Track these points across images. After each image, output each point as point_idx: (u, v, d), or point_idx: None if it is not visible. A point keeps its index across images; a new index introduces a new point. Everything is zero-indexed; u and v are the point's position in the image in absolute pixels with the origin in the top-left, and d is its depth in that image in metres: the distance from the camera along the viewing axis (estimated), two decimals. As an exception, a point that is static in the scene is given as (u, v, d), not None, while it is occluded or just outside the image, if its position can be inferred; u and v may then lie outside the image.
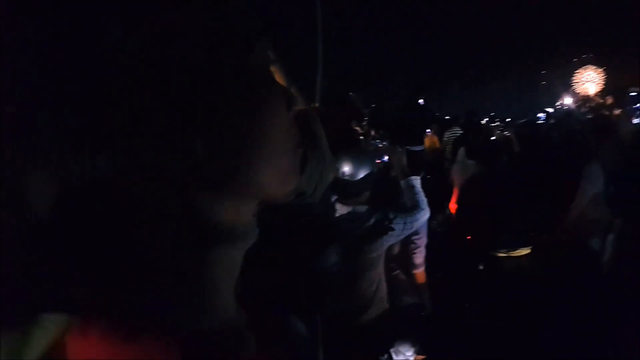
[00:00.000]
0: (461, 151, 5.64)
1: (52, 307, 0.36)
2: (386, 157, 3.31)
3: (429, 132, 7.10)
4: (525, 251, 3.72)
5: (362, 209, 2.51)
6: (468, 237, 3.87)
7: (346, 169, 2.50)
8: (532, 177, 4.11)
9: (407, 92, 5.18)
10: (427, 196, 2.83)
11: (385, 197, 2.76)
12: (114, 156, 0.33)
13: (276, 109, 0.41)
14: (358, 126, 4.62)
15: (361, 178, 2.53)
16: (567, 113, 7.46)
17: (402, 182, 2.89)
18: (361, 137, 5.65)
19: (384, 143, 3.25)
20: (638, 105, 2.35)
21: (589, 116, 6.36)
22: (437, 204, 3.82)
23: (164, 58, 0.33)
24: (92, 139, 0.32)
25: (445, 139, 8.00)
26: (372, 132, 5.87)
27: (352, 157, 2.57)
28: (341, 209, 2.51)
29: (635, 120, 2.38)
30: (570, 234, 3.73)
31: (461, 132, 7.32)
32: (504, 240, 3.69)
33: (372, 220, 2.50)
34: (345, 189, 2.48)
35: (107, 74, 0.32)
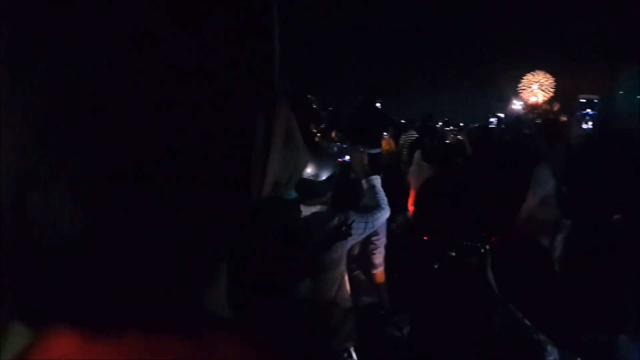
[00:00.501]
0: (417, 154, 5.76)
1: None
2: (347, 157, 3.34)
3: (385, 135, 7.21)
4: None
5: (325, 209, 2.52)
6: (424, 238, 3.94)
7: (310, 169, 2.50)
8: (485, 180, 4.24)
9: (364, 95, 5.24)
10: (387, 196, 2.87)
11: (347, 197, 2.79)
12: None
13: None
14: (315, 128, 4.64)
15: (325, 179, 2.53)
16: (516, 118, 7.73)
17: (363, 182, 2.92)
18: (319, 139, 5.68)
19: (344, 145, 3.27)
20: (587, 110, 2.48)
21: (538, 121, 6.65)
22: (395, 205, 3.87)
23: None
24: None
25: (401, 142, 8.16)
26: (331, 134, 5.90)
27: (315, 157, 2.57)
28: (304, 210, 2.51)
29: (584, 125, 2.50)
30: (520, 234, 3.86)
31: (417, 135, 7.49)
32: (460, 240, 3.78)
33: (335, 221, 2.52)
34: (309, 189, 2.48)
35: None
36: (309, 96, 4.32)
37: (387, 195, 2.91)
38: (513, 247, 3.91)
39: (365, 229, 2.64)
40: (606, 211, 1.66)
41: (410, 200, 4.57)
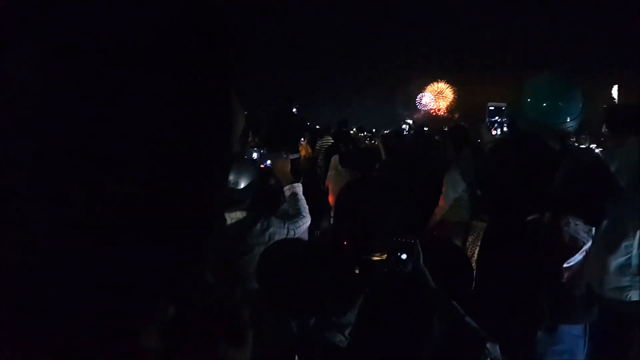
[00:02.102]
0: (334, 159, 5.81)
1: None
2: (269, 163, 3.27)
3: (302, 141, 7.22)
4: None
5: (245, 216, 2.45)
6: (344, 243, 3.96)
7: (230, 177, 2.41)
8: (399, 185, 4.35)
9: (281, 101, 5.20)
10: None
11: (267, 204, 2.72)
12: None
13: None
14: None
15: (244, 186, 2.46)
16: (422, 124, 8.07)
17: (285, 189, 2.87)
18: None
19: (262, 151, 3.21)
20: (496, 117, 2.63)
21: (446, 127, 6.99)
22: (316, 212, 3.86)
23: None
24: None
25: (317, 147, 8.23)
26: (249, 140, 5.79)
27: (235, 164, 2.49)
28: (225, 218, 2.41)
29: (494, 132, 2.64)
30: (435, 236, 4.01)
31: (332, 141, 7.59)
32: (378, 244, 3.84)
33: (257, 227, 2.45)
34: (230, 197, 2.40)
35: None
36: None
37: (307, 202, 2.88)
38: (429, 250, 4.07)
39: (286, 236, 2.59)
40: (519, 212, 1.73)
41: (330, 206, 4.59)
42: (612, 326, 2.26)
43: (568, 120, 1.77)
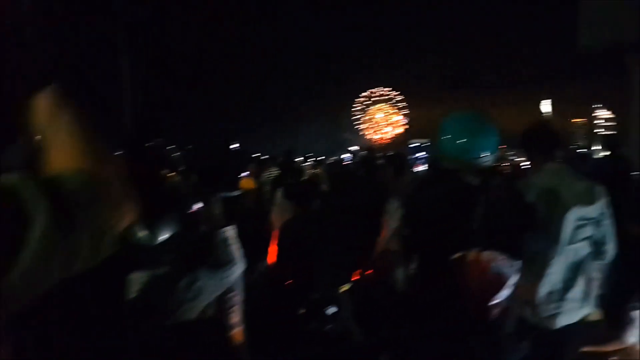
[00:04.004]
0: (279, 192, 5.72)
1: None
2: (198, 206, 3.12)
3: (245, 174, 7.08)
4: (343, 289, 3.82)
5: (167, 272, 2.30)
6: (288, 282, 3.85)
7: (146, 231, 2.27)
8: (343, 216, 4.29)
9: (219, 136, 5.08)
10: (245, 243, 2.73)
11: (195, 254, 2.58)
12: None
13: None
14: (166, 173, 4.36)
15: (165, 238, 2.32)
16: (368, 152, 8.13)
17: (215, 234, 2.74)
18: (171, 185, 5.36)
19: (195, 193, 3.07)
20: (420, 154, 2.63)
21: (386, 155, 7.06)
22: (255, 253, 3.75)
23: None
24: None
25: (263, 180, 8.10)
26: (184, 179, 5.61)
27: (155, 214, 2.35)
28: (139, 277, 2.26)
29: (417, 168, 2.64)
30: (379, 267, 3.96)
31: (278, 172, 7.49)
32: (323, 281, 3.75)
33: (182, 284, 2.31)
34: (147, 255, 2.25)
35: None
36: (158, 139, 4.03)
37: (247, 241, 2.77)
38: (373, 281, 4.01)
39: (217, 287, 2.46)
40: (443, 250, 1.69)
41: (273, 241, 4.47)
42: (546, 354, 2.24)
43: (484, 155, 1.77)
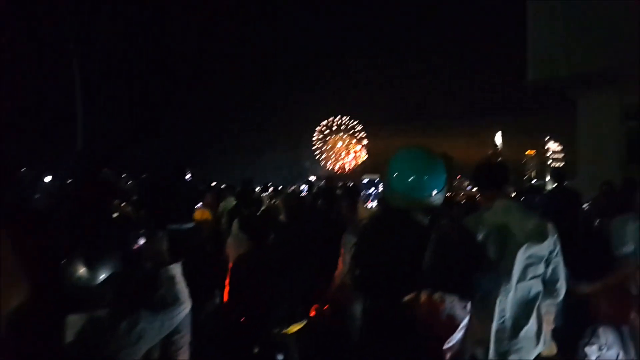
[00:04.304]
0: (235, 224, 5.57)
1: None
2: (142, 242, 2.97)
3: (199, 205, 6.91)
4: (298, 326, 3.70)
5: (106, 316, 2.15)
6: (242, 319, 3.71)
7: (83, 270, 2.13)
8: (300, 250, 4.20)
9: (172, 167, 4.93)
10: (197, 278, 2.61)
11: (137, 295, 2.43)
12: None
13: None
14: (112, 204, 4.18)
15: (104, 279, 2.18)
16: (326, 182, 8.10)
17: (160, 272, 2.60)
18: (115, 218, 5.15)
19: (141, 230, 2.93)
20: (371, 190, 2.60)
21: (343, 187, 7.03)
22: (206, 288, 3.60)
23: None
24: None
25: (220, 210, 7.91)
26: (134, 211, 5.42)
27: (92, 254, 2.21)
28: (76, 320, 2.11)
29: (369, 205, 2.61)
30: (336, 301, 3.86)
31: (235, 202, 7.32)
32: (278, 317, 3.63)
33: (122, 327, 2.16)
34: (85, 296, 2.10)
35: None
36: (105, 169, 3.88)
37: (198, 276, 2.64)
38: (330, 316, 3.92)
39: (160, 329, 2.31)
40: (393, 292, 1.63)
41: (228, 275, 4.32)
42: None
43: (433, 193, 1.74)
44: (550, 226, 2.48)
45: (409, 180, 1.74)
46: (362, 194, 2.72)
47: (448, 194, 3.31)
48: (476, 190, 2.84)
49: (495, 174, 2.68)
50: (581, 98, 11.17)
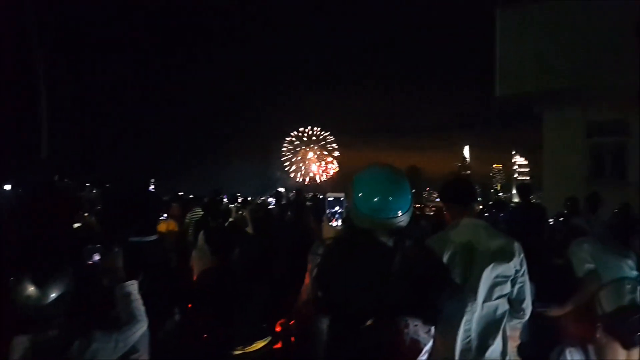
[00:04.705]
0: (201, 236, 5.43)
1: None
2: (97, 258, 2.82)
3: (164, 217, 6.74)
4: (262, 343, 3.61)
5: (57, 336, 2.03)
6: (204, 336, 3.59)
7: (32, 289, 2.01)
8: (267, 262, 4.12)
9: (133, 178, 4.76)
10: (155, 296, 2.50)
11: (90, 314, 2.32)
12: None
13: None
14: (72, 216, 4.02)
15: (55, 298, 2.07)
16: (293, 196, 8.02)
17: (116, 289, 2.48)
18: (81, 229, 4.97)
19: (96, 245, 2.79)
20: (336, 208, 2.55)
21: (311, 199, 6.99)
22: (171, 302, 3.47)
23: None
24: None
25: (187, 220, 7.72)
26: (95, 222, 5.23)
27: (43, 271, 2.10)
28: (24, 342, 1.99)
29: (333, 223, 2.56)
30: (303, 317, 3.78)
31: (202, 213, 7.16)
32: (241, 335, 3.53)
33: (74, 350, 2.04)
34: (33, 316, 1.99)
35: None
36: (66, 180, 3.72)
37: (158, 292, 2.54)
38: (296, 330, 3.83)
39: (115, 349, 2.20)
40: (356, 316, 1.57)
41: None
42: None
43: (399, 214, 1.69)
44: (516, 245, 2.47)
45: (374, 200, 1.69)
46: (327, 212, 2.67)
47: (417, 206, 3.28)
48: (444, 206, 2.81)
49: (462, 192, 2.67)
50: (547, 114, 11.44)
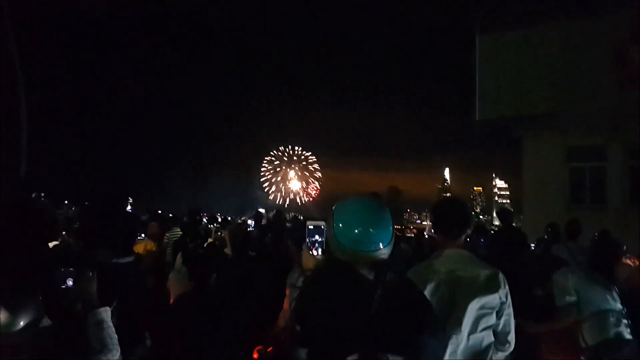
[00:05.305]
0: (179, 257, 5.32)
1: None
2: (70, 282, 2.73)
3: (141, 237, 6.60)
4: (238, 371, 3.52)
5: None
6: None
7: (2, 315, 1.92)
8: (245, 287, 4.03)
9: (111, 197, 4.65)
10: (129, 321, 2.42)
11: (60, 342, 2.22)
12: None
13: None
14: (47, 236, 3.90)
15: (23, 326, 1.98)
16: (273, 217, 7.93)
17: (88, 316, 2.39)
18: (58, 248, 4.82)
19: (71, 269, 2.69)
20: (315, 237, 2.50)
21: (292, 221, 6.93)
22: (142, 329, 3.36)
23: None
24: None
25: (165, 240, 7.58)
26: (74, 241, 5.10)
27: (14, 297, 2.01)
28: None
29: (314, 252, 2.51)
30: (281, 344, 3.70)
31: (181, 233, 7.03)
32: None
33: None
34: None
35: None
36: (42, 195, 3.60)
37: (131, 317, 2.45)
38: (274, 358, 3.75)
39: (86, 380, 2.11)
40: (336, 351, 1.52)
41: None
42: None
43: (380, 247, 1.66)
44: (501, 276, 2.44)
45: (355, 232, 1.65)
46: (306, 240, 2.61)
47: (397, 227, 3.21)
48: (434, 229, 2.72)
49: (456, 223, 2.55)
50: (526, 138, 11.61)
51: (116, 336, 2.35)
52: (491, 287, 2.38)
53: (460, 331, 2.27)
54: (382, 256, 1.67)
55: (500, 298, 2.38)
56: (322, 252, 2.50)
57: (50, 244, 4.69)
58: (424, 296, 1.52)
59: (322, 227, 2.50)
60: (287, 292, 3.85)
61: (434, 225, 2.73)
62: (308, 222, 2.58)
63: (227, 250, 5.60)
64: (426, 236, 7.06)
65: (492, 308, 2.36)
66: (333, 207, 1.77)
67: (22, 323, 2.00)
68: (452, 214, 2.62)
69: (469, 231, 2.54)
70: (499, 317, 2.39)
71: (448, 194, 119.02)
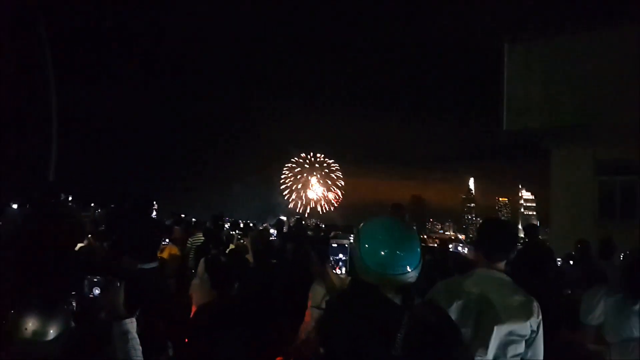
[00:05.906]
0: (201, 264, 5.34)
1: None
2: (97, 292, 2.75)
3: (165, 242, 6.66)
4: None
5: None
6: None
7: (34, 325, 1.95)
8: (266, 299, 4.03)
9: (137, 204, 4.73)
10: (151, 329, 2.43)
11: (87, 353, 2.25)
12: None
13: None
14: (75, 243, 3.97)
15: (54, 337, 2.01)
16: (295, 226, 7.93)
17: (114, 326, 2.41)
18: (85, 251, 4.90)
19: (95, 278, 2.71)
20: (340, 256, 2.45)
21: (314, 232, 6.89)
22: (163, 337, 3.38)
23: None
24: None
25: (188, 245, 7.65)
26: (98, 246, 5.18)
27: (47, 306, 2.04)
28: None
29: (338, 271, 2.47)
30: (301, 356, 3.69)
31: (203, 239, 7.07)
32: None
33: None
34: (31, 354, 1.92)
35: None
36: (71, 204, 3.68)
37: (153, 325, 2.46)
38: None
39: (108, 394, 2.13)
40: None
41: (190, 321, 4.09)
42: None
43: (408, 270, 1.63)
44: (535, 305, 2.35)
45: (382, 255, 1.63)
46: (330, 259, 2.58)
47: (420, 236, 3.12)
48: (475, 247, 2.63)
49: (501, 248, 2.45)
50: (555, 150, 11.38)
51: (140, 347, 2.37)
52: (523, 314, 2.30)
53: (486, 354, 2.21)
54: (410, 280, 1.64)
55: (531, 326, 2.29)
56: (346, 271, 2.47)
57: (76, 247, 4.77)
58: (454, 324, 1.48)
59: (346, 245, 2.47)
60: (309, 304, 3.83)
61: (476, 244, 2.65)
62: (332, 240, 2.55)
63: (249, 257, 5.62)
64: (450, 249, 6.95)
65: (522, 336, 2.27)
66: (359, 227, 1.75)
67: (52, 333, 2.02)
68: (501, 238, 2.53)
69: (511, 257, 2.45)
70: (528, 346, 2.31)
71: (472, 204, 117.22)
